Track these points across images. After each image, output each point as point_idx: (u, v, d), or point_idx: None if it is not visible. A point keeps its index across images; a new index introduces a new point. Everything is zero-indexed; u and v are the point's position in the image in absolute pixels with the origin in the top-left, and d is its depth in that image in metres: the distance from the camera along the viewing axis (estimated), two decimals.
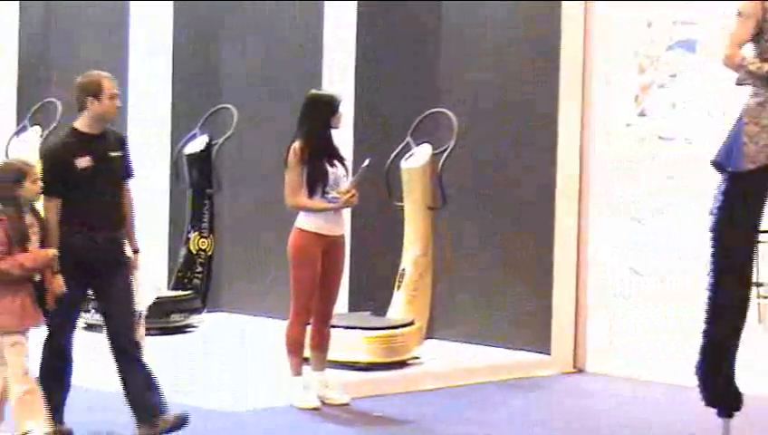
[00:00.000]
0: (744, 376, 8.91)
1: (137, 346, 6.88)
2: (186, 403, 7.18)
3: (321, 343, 8.16)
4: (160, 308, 10.36)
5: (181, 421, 6.78)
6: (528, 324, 10.11)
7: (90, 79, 6.83)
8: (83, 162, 6.68)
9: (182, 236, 11.20)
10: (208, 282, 11.20)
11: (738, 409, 7.15)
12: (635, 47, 9.56)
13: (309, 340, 8.14)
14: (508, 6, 10.41)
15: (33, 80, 13.45)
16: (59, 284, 6.57)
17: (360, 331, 9.22)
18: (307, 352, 8.17)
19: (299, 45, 11.60)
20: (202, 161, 11.15)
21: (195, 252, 11.09)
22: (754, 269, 8.94)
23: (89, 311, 10.76)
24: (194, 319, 10.90)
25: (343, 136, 9.32)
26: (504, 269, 10.38)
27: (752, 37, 6.76)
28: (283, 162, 7.99)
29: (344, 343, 8.95)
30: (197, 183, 11.15)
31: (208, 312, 11.26)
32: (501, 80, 10.42)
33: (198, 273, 11.11)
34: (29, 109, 12.72)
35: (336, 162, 8.06)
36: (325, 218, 7.99)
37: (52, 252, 6.53)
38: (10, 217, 6.45)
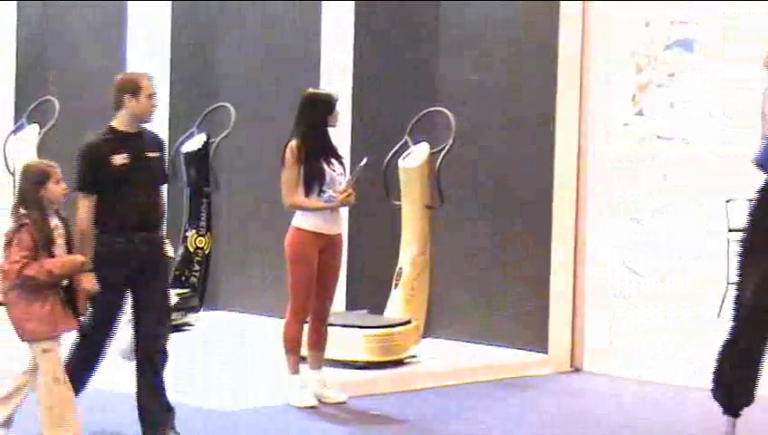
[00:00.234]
0: None
1: (164, 357, 6.79)
2: (183, 402, 7.17)
3: (319, 342, 8.16)
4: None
5: None
6: (525, 324, 10.12)
7: (128, 77, 6.85)
8: (119, 159, 6.62)
9: (179, 234, 11.20)
10: (206, 280, 11.19)
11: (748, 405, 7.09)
12: (633, 47, 9.56)
13: (306, 338, 8.13)
14: (506, 6, 10.42)
15: (30, 78, 13.45)
16: (91, 282, 6.45)
17: (358, 329, 9.22)
18: (304, 351, 8.17)
19: (297, 45, 11.60)
20: (200, 160, 11.14)
21: (192, 250, 11.09)
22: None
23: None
24: (191, 317, 10.90)
25: (341, 135, 9.32)
26: (501, 268, 10.38)
27: None
28: (281, 161, 7.99)
29: (341, 342, 8.95)
30: (195, 181, 11.15)
31: (206, 310, 11.26)
32: (499, 79, 10.43)
33: (196, 271, 11.10)
34: (27, 107, 12.73)
35: (333, 161, 8.06)
36: (322, 217, 7.99)
37: (80, 258, 6.37)
38: (34, 220, 6.28)
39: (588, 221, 9.75)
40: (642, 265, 9.47)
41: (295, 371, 8.08)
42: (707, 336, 9.11)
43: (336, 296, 8.34)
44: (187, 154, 11.19)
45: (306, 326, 8.10)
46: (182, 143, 11.29)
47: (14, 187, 12.34)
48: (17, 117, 12.99)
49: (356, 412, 8.09)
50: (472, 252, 10.55)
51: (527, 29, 10.28)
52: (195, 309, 10.99)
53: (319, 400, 8.13)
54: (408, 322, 9.50)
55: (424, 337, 9.91)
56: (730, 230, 9.02)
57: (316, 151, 7.96)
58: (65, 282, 6.36)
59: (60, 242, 6.36)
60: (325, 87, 10.00)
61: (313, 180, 7.91)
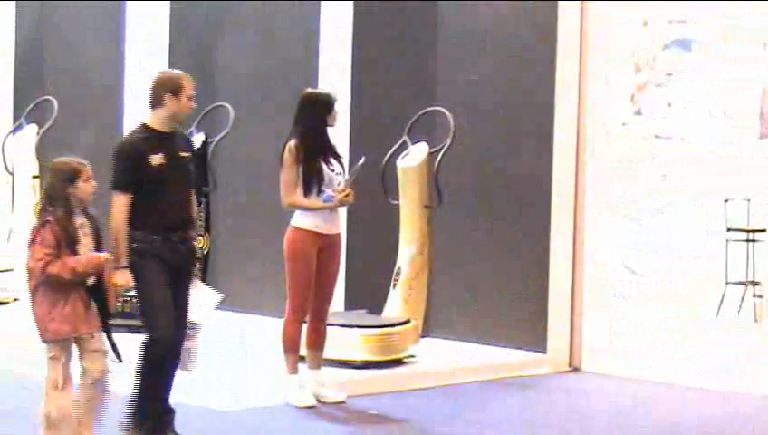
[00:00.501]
0: (742, 376, 8.95)
1: (178, 360, 6.73)
2: (182, 401, 7.17)
3: (317, 342, 8.15)
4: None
5: None
6: (524, 323, 10.12)
7: (170, 76, 6.76)
8: (156, 159, 6.54)
9: None
10: (204, 280, 11.18)
11: None
12: (631, 46, 9.57)
13: (305, 338, 8.13)
14: (504, 6, 10.42)
15: (29, 78, 13.46)
16: (125, 278, 6.40)
17: (356, 329, 9.22)
18: (303, 351, 8.17)
19: (296, 44, 11.60)
20: (198, 159, 11.11)
21: None
22: (749, 268, 9.00)
23: None
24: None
25: (339, 134, 9.32)
26: (500, 268, 10.38)
27: None
28: (279, 161, 7.99)
29: (340, 342, 8.95)
30: (194, 181, 11.13)
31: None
32: (497, 79, 10.43)
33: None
34: (26, 106, 12.75)
35: (332, 160, 8.05)
36: (321, 217, 7.98)
37: (104, 256, 6.27)
38: (58, 217, 6.18)
39: (587, 221, 9.75)
40: (641, 265, 9.48)
41: (294, 370, 8.08)
42: (707, 336, 9.14)
43: (335, 296, 8.34)
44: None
45: (305, 326, 8.10)
46: None
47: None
48: (16, 116, 13.01)
49: (355, 412, 8.09)
50: (470, 252, 10.55)
51: (526, 29, 10.28)
52: None
53: (318, 399, 8.12)
54: (407, 321, 9.50)
55: (422, 337, 9.91)
56: (728, 230, 9.03)
57: (315, 151, 7.96)
58: (92, 281, 6.27)
59: (85, 241, 6.26)
60: (324, 87, 10.01)
61: (312, 180, 7.91)
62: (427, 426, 7.91)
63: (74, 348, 6.30)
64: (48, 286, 6.17)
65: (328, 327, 8.26)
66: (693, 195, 9.24)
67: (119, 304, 6.59)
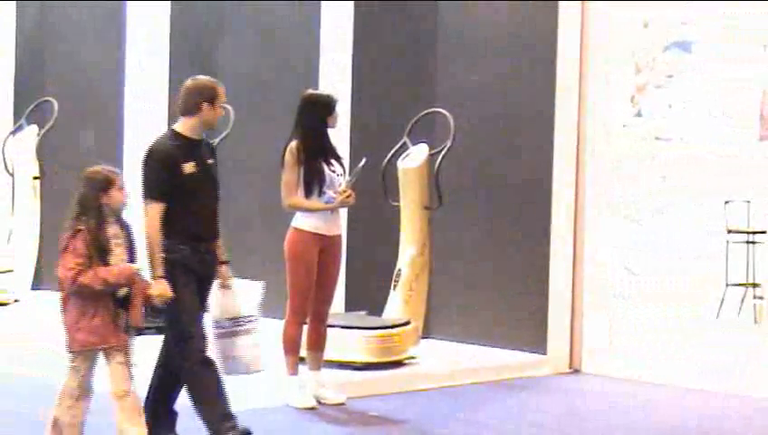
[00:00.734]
0: (742, 377, 8.96)
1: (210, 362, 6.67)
2: (182, 402, 7.16)
3: (318, 343, 8.15)
4: (157, 307, 10.34)
5: None
6: (524, 324, 10.12)
7: (206, 83, 6.63)
8: (189, 167, 6.46)
9: None
10: None
11: None
12: (631, 47, 9.57)
13: (305, 339, 8.13)
14: (505, 6, 10.42)
15: (29, 79, 13.46)
16: (161, 289, 6.29)
17: (357, 330, 9.22)
18: (303, 352, 8.17)
19: (296, 44, 11.60)
20: None
21: None
22: (749, 270, 9.00)
23: None
24: None
25: (340, 135, 9.32)
26: (500, 269, 10.38)
27: None
28: (280, 162, 7.99)
29: (340, 343, 8.95)
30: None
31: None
32: (497, 80, 10.43)
33: None
34: (26, 108, 12.74)
35: (333, 162, 8.06)
36: (322, 218, 7.99)
37: (135, 267, 6.16)
38: (89, 227, 6.09)
39: (587, 221, 9.76)
40: (641, 266, 9.48)
41: (294, 371, 8.08)
42: (707, 337, 9.14)
43: (335, 297, 8.34)
44: None
45: (305, 327, 8.10)
46: None
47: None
48: (16, 117, 13.01)
49: (355, 413, 8.09)
50: (471, 253, 10.55)
51: (526, 30, 10.28)
52: None
53: (318, 400, 8.13)
54: (407, 323, 9.50)
55: (423, 338, 9.91)
56: (729, 232, 9.03)
57: (316, 152, 7.96)
58: (123, 292, 6.15)
59: (118, 251, 6.15)
60: (324, 87, 10.01)
61: (313, 181, 7.91)
62: (427, 427, 7.91)
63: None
64: (79, 296, 6.10)
65: (328, 328, 8.27)
66: (693, 196, 9.24)
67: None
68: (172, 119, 12.01)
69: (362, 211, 9.80)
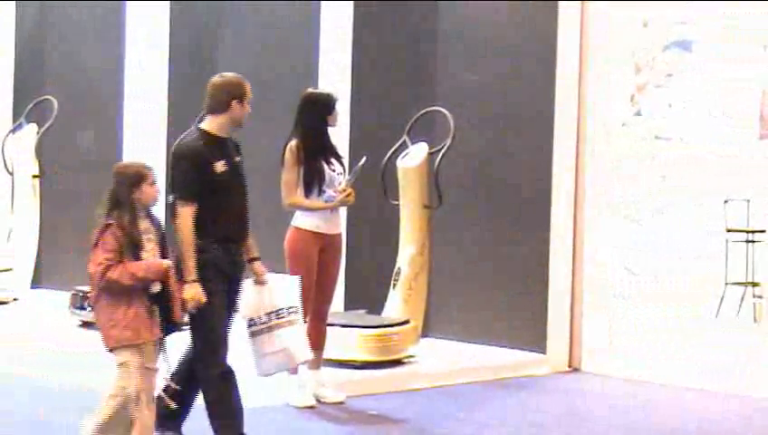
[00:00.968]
0: (742, 377, 8.96)
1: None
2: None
3: (317, 342, 8.14)
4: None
5: None
6: (524, 323, 10.12)
7: (235, 81, 6.55)
8: (220, 166, 6.36)
9: None
10: None
11: None
12: (631, 47, 9.57)
13: None
14: (505, 6, 10.42)
15: (29, 78, 13.46)
16: (194, 292, 6.19)
17: (356, 329, 9.22)
18: None
19: (296, 44, 11.60)
20: None
21: None
22: (748, 269, 9.00)
23: (84, 308, 10.79)
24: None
25: (340, 134, 9.32)
26: (500, 269, 10.38)
27: None
28: (280, 161, 7.99)
29: (340, 342, 8.95)
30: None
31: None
32: (497, 79, 10.43)
33: None
34: (26, 106, 12.75)
35: (333, 161, 8.06)
36: (322, 217, 7.99)
37: (166, 263, 6.05)
38: (121, 222, 5.97)
39: (587, 221, 9.76)
40: (641, 266, 9.48)
41: (294, 370, 8.07)
42: (706, 337, 9.14)
43: (335, 296, 8.34)
44: None
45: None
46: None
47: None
48: (16, 116, 13.01)
49: (354, 412, 8.09)
50: (470, 252, 10.56)
51: (526, 29, 10.28)
52: None
53: (317, 399, 8.13)
54: (407, 322, 9.50)
55: (422, 337, 9.92)
56: (728, 231, 9.04)
57: (316, 151, 7.96)
58: (157, 288, 6.05)
59: (149, 247, 6.05)
60: (324, 87, 10.00)
61: (313, 180, 7.91)
62: (426, 426, 7.91)
63: None
64: (110, 293, 5.97)
65: (328, 327, 8.27)
66: (693, 195, 9.24)
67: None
68: (172, 117, 12.15)
69: (362, 210, 9.80)
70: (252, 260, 6.67)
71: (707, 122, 9.19)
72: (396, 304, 9.72)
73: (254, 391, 8.45)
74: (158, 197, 6.14)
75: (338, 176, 8.04)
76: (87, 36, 13.19)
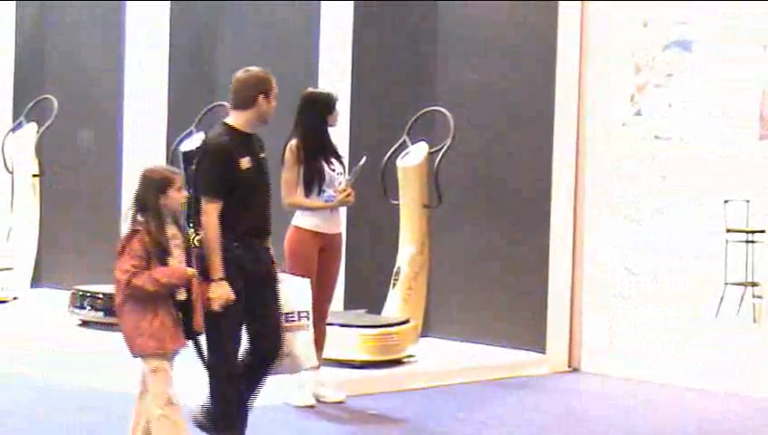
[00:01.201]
0: (742, 377, 8.96)
1: (267, 374, 6.52)
2: (183, 401, 7.16)
3: (318, 341, 8.10)
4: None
5: None
6: (523, 323, 10.12)
7: (261, 75, 6.43)
8: (245, 162, 6.24)
9: None
10: None
11: None
12: (631, 47, 9.57)
13: None
14: (505, 6, 10.42)
15: (29, 77, 13.46)
16: (222, 291, 6.10)
17: (356, 329, 9.22)
18: None
19: (296, 44, 11.60)
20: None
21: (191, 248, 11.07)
22: (748, 269, 9.00)
23: (84, 307, 10.79)
24: None
25: (340, 134, 9.31)
26: (499, 268, 10.38)
27: None
28: (280, 161, 7.99)
29: (340, 341, 8.95)
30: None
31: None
32: (497, 79, 10.43)
33: None
34: (25, 105, 12.74)
35: (333, 160, 8.06)
36: (322, 217, 7.99)
37: (192, 270, 5.93)
38: (148, 228, 5.84)
39: (587, 221, 9.76)
40: (641, 266, 9.48)
41: None
42: (706, 337, 9.14)
43: (335, 296, 8.34)
44: (186, 153, 11.16)
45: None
46: (181, 142, 11.28)
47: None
48: (16, 115, 13.00)
49: (354, 412, 8.09)
50: (470, 252, 10.56)
51: (526, 29, 10.28)
52: None
53: (317, 399, 8.13)
54: (406, 321, 9.50)
55: (422, 337, 9.91)
56: (728, 231, 9.04)
57: (316, 151, 7.96)
58: (182, 296, 5.94)
59: (176, 253, 5.92)
60: (324, 87, 10.00)
61: (313, 180, 7.91)
62: (425, 426, 7.91)
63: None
64: (135, 300, 5.85)
65: (327, 327, 8.26)
66: (693, 195, 9.25)
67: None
68: (172, 117, 12.14)
69: (362, 210, 9.80)
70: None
71: (707, 122, 9.20)
72: (395, 304, 9.72)
73: None
74: (184, 201, 6.03)
75: (338, 176, 8.04)
76: (87, 36, 13.18)
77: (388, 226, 10.03)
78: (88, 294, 10.77)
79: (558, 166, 9.83)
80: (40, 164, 12.49)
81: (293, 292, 6.78)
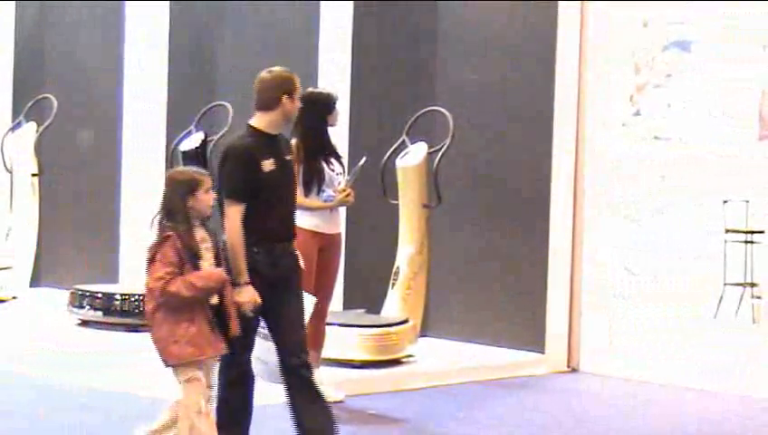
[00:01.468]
0: (741, 377, 8.96)
1: (308, 367, 6.34)
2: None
3: (316, 341, 8.14)
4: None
5: None
6: (522, 323, 10.12)
7: (285, 76, 6.28)
8: (268, 164, 6.09)
9: None
10: None
11: None
12: (631, 47, 9.57)
13: None
14: (505, 6, 10.42)
15: (29, 77, 13.46)
16: (249, 295, 5.95)
17: (355, 329, 9.23)
18: None
19: (296, 44, 11.60)
20: (197, 158, 11.13)
21: None
22: (747, 269, 9.00)
23: (83, 307, 10.79)
24: None
25: (339, 134, 9.31)
26: (499, 268, 10.38)
27: None
28: None
29: (339, 341, 8.96)
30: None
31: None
32: (497, 79, 10.43)
33: None
34: (25, 105, 12.74)
35: (333, 160, 8.06)
36: (321, 217, 7.99)
37: (224, 273, 5.82)
38: (179, 233, 5.70)
39: (586, 221, 9.76)
40: (641, 266, 9.48)
41: None
42: (705, 337, 9.14)
43: (334, 295, 8.34)
44: (185, 153, 11.18)
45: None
46: (180, 142, 11.28)
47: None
48: (15, 114, 13.01)
49: (353, 412, 8.09)
50: (469, 251, 10.56)
51: (526, 29, 10.28)
52: None
53: None
54: (406, 321, 9.50)
55: (421, 336, 9.91)
56: (727, 231, 9.04)
57: (315, 151, 7.96)
58: (215, 300, 5.81)
59: (208, 256, 5.80)
60: (324, 87, 10.00)
61: (312, 180, 7.91)
62: (425, 426, 7.91)
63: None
64: (168, 307, 5.70)
65: (327, 326, 8.27)
66: (692, 195, 9.25)
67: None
68: (170, 115, 12.14)
69: (362, 210, 9.80)
70: None
71: (707, 122, 9.20)
72: (395, 304, 9.72)
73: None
74: (212, 204, 5.90)
75: (337, 176, 8.04)
76: (87, 36, 13.18)
77: (388, 226, 10.02)
78: (87, 294, 10.78)
79: (557, 166, 9.83)
80: (39, 163, 12.49)
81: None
